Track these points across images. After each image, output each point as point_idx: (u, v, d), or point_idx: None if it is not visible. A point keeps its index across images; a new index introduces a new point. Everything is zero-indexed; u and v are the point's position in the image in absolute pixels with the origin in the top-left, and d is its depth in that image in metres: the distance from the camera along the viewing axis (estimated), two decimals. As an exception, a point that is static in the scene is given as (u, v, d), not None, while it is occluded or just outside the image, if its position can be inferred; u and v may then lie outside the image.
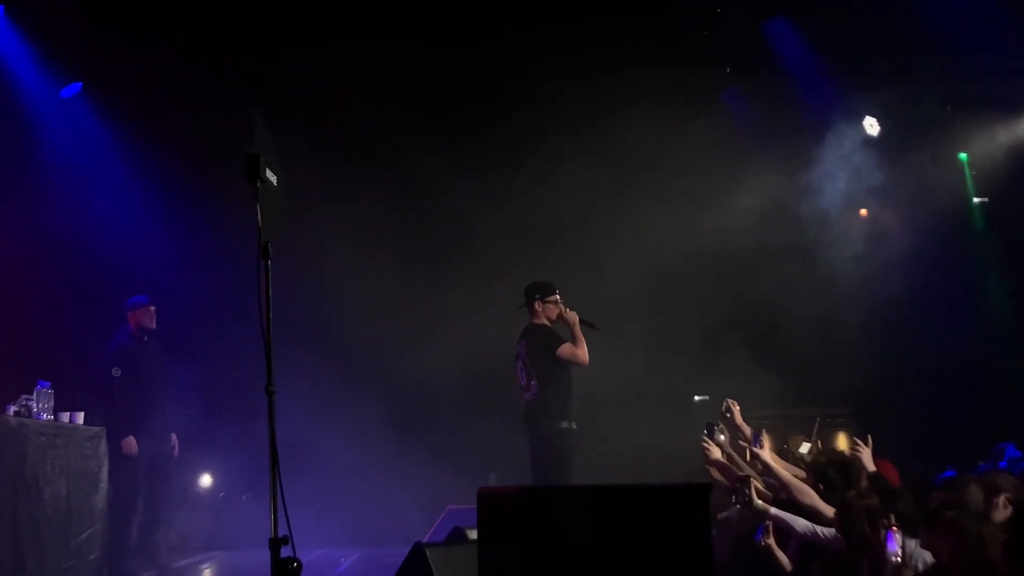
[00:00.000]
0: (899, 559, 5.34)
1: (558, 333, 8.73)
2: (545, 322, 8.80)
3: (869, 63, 12.04)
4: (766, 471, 6.87)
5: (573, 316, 8.68)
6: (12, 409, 7.92)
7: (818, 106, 12.43)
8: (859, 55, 11.89)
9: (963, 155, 13.17)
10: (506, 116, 12.37)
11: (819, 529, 6.13)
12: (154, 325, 10.10)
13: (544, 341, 8.67)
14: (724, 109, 12.66)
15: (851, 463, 6.81)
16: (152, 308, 10.10)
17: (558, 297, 8.83)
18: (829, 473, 6.54)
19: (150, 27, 11.01)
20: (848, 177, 12.73)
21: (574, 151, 12.23)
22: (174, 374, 10.45)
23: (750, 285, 12.13)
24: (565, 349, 8.56)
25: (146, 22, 10.94)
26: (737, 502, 6.47)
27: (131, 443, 9.63)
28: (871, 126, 12.81)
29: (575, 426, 8.61)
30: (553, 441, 8.50)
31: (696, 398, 12.86)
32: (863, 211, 13.62)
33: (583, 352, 8.58)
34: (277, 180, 4.92)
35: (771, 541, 6.53)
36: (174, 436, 10.23)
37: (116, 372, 9.73)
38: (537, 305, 8.80)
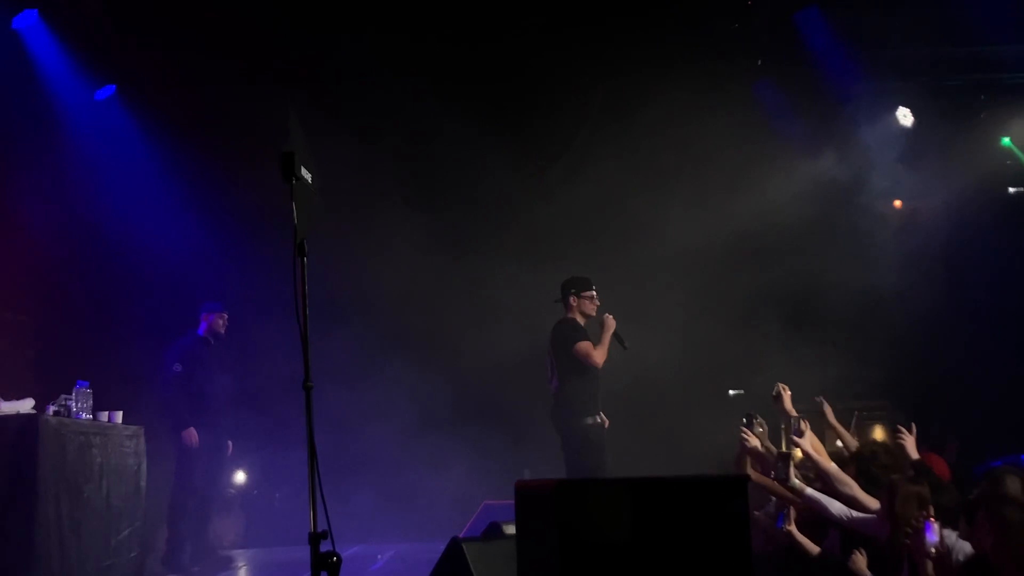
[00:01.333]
0: (939, 550, 5.30)
1: (583, 330, 8.78)
2: (577, 317, 8.83)
3: (902, 53, 11.96)
4: (806, 461, 6.81)
5: (611, 322, 8.73)
6: (52, 409, 7.98)
7: (851, 97, 12.34)
8: (892, 45, 11.82)
9: (1006, 140, 13.00)
10: (542, 108, 12.37)
11: (854, 513, 6.08)
12: (224, 331, 10.39)
13: (566, 336, 8.74)
14: (756, 101, 12.58)
15: (894, 454, 6.76)
16: (225, 315, 10.41)
17: (594, 293, 8.88)
18: (872, 465, 6.49)
19: (182, 27, 11.07)
20: (882, 168, 12.65)
21: (608, 143, 12.22)
22: (233, 383, 10.60)
23: (786, 279, 12.06)
24: (583, 347, 8.63)
25: (178, 22, 10.99)
26: (775, 477, 6.43)
27: (192, 434, 9.93)
28: (904, 116, 12.72)
29: (600, 420, 8.65)
30: (579, 437, 8.56)
31: (731, 392, 12.82)
32: (897, 202, 13.53)
33: (598, 356, 8.63)
34: (312, 177, 4.95)
35: (792, 527, 6.48)
36: (230, 443, 10.44)
37: (177, 368, 10.02)
38: (572, 300, 8.85)
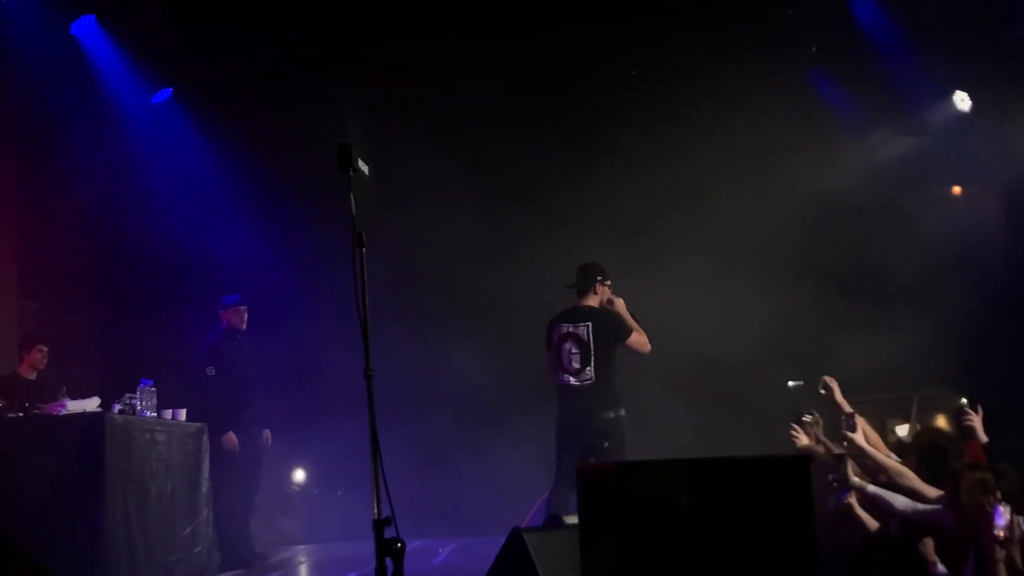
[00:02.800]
0: (1008, 534, 5.23)
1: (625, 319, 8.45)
2: (600, 305, 8.47)
3: (958, 36, 11.79)
4: (861, 455, 6.72)
5: (622, 303, 8.43)
6: (117, 407, 8.12)
7: (907, 82, 12.19)
8: (948, 28, 11.65)
9: None
10: (594, 101, 12.37)
11: (919, 506, 6.02)
12: (245, 325, 10.25)
13: (614, 325, 8.36)
14: (810, 88, 12.49)
15: (954, 442, 6.67)
16: (244, 308, 10.24)
17: (609, 281, 8.56)
18: (930, 454, 6.42)
19: (237, 29, 11.19)
20: (940, 154, 12.50)
21: (659, 137, 12.18)
22: (266, 371, 10.61)
23: (844, 267, 11.96)
24: (635, 337, 8.31)
25: (233, 25, 11.11)
26: (833, 480, 6.35)
27: (231, 438, 9.85)
28: (962, 100, 12.56)
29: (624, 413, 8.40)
30: (611, 429, 8.22)
31: (790, 383, 12.72)
32: (956, 188, 13.37)
33: (647, 340, 8.36)
34: (368, 169, 5.00)
35: (853, 500, 6.39)
36: (267, 432, 10.41)
37: (211, 371, 9.90)
38: (598, 287, 8.46)
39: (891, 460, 6.46)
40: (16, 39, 10.07)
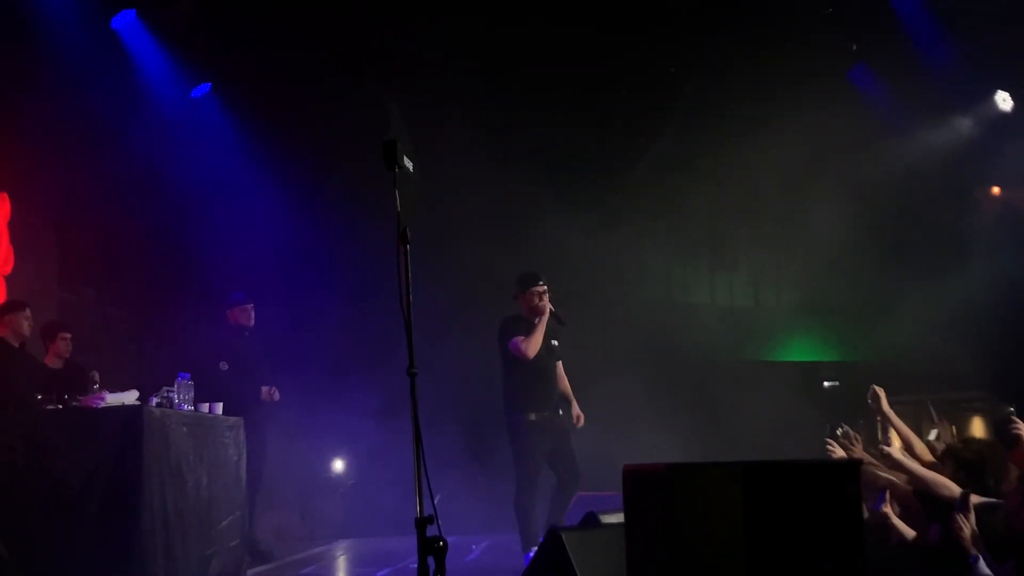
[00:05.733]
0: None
1: (523, 323, 8.55)
2: (526, 312, 8.60)
3: (1001, 35, 11.67)
4: (899, 468, 6.59)
5: (544, 308, 8.51)
6: (154, 400, 8.14)
7: (949, 81, 12.09)
8: (990, 26, 11.53)
9: None
10: (634, 101, 12.33)
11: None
12: (252, 323, 10.29)
13: (502, 333, 8.59)
14: (852, 87, 12.40)
15: (996, 450, 6.56)
16: (250, 306, 10.30)
17: (538, 289, 8.56)
18: (970, 461, 6.31)
19: (276, 24, 11.22)
20: (980, 154, 12.40)
21: (697, 135, 12.13)
22: (275, 368, 10.58)
23: (882, 268, 11.88)
24: (514, 342, 8.45)
25: (272, 19, 11.15)
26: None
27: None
28: (1004, 100, 12.45)
29: (547, 415, 8.47)
30: (509, 432, 8.50)
31: (826, 384, 12.66)
32: (995, 188, 13.25)
33: (528, 347, 8.40)
34: (413, 166, 4.99)
35: (888, 509, 6.32)
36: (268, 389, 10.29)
37: (224, 366, 9.96)
38: (519, 295, 8.64)
39: (932, 474, 6.33)
40: (57, 34, 10.13)
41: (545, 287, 8.58)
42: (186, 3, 11.11)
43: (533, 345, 8.42)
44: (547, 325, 8.50)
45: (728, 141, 11.89)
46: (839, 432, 7.22)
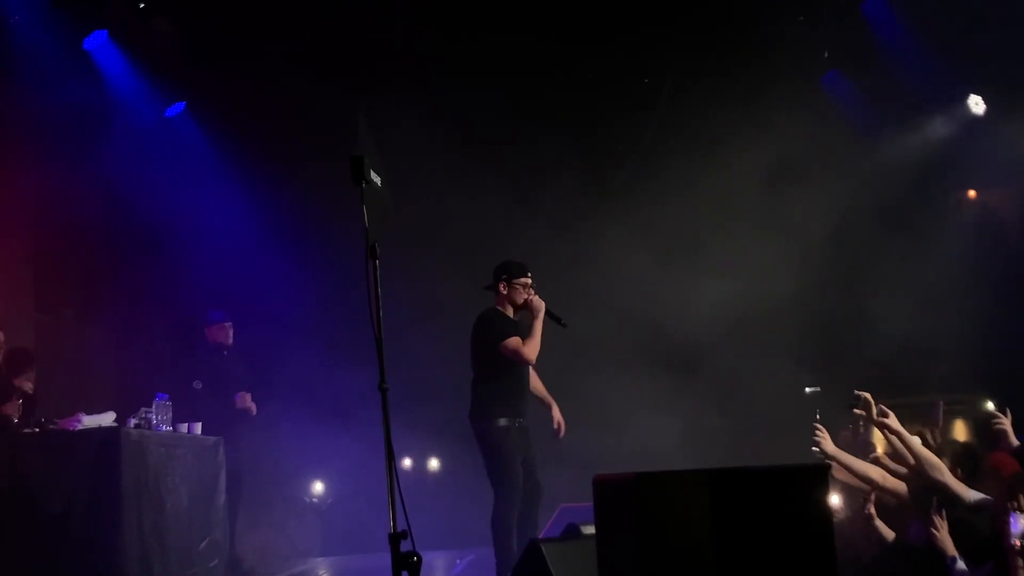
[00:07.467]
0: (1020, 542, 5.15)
1: (512, 322, 7.87)
2: (506, 307, 7.89)
3: (972, 40, 11.75)
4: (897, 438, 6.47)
5: (540, 304, 7.77)
6: (132, 422, 8.12)
7: (921, 86, 12.16)
8: (961, 32, 11.62)
9: None
10: (610, 107, 12.36)
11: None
12: (231, 341, 10.24)
13: (489, 329, 7.82)
14: (825, 93, 12.46)
15: (978, 453, 6.56)
16: (228, 324, 10.26)
17: (528, 281, 7.89)
18: (965, 455, 6.32)
19: (251, 43, 11.23)
20: (954, 157, 12.46)
21: (674, 144, 12.17)
22: (255, 386, 10.48)
23: (861, 270, 11.92)
24: (511, 343, 7.68)
25: (247, 38, 11.15)
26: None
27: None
28: (976, 104, 12.52)
29: (523, 422, 7.82)
30: (479, 439, 7.76)
31: (807, 389, 12.66)
32: (971, 192, 13.33)
33: (530, 350, 7.68)
34: (381, 181, 4.98)
35: (872, 510, 6.30)
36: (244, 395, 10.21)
37: (197, 385, 9.87)
38: (502, 287, 7.86)
39: (927, 452, 6.25)
40: (30, 55, 10.10)
41: (531, 279, 7.93)
42: (159, 23, 11.10)
43: (535, 348, 7.70)
44: (544, 327, 7.77)
45: (704, 147, 11.93)
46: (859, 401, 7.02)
